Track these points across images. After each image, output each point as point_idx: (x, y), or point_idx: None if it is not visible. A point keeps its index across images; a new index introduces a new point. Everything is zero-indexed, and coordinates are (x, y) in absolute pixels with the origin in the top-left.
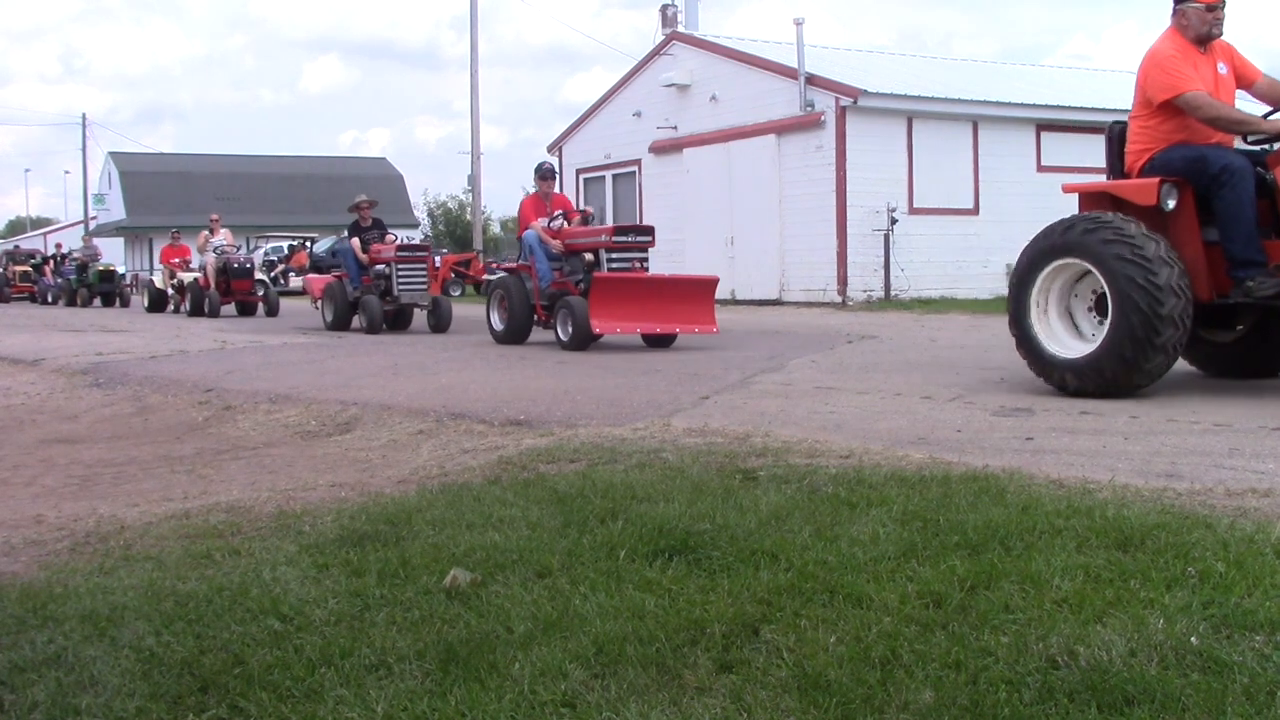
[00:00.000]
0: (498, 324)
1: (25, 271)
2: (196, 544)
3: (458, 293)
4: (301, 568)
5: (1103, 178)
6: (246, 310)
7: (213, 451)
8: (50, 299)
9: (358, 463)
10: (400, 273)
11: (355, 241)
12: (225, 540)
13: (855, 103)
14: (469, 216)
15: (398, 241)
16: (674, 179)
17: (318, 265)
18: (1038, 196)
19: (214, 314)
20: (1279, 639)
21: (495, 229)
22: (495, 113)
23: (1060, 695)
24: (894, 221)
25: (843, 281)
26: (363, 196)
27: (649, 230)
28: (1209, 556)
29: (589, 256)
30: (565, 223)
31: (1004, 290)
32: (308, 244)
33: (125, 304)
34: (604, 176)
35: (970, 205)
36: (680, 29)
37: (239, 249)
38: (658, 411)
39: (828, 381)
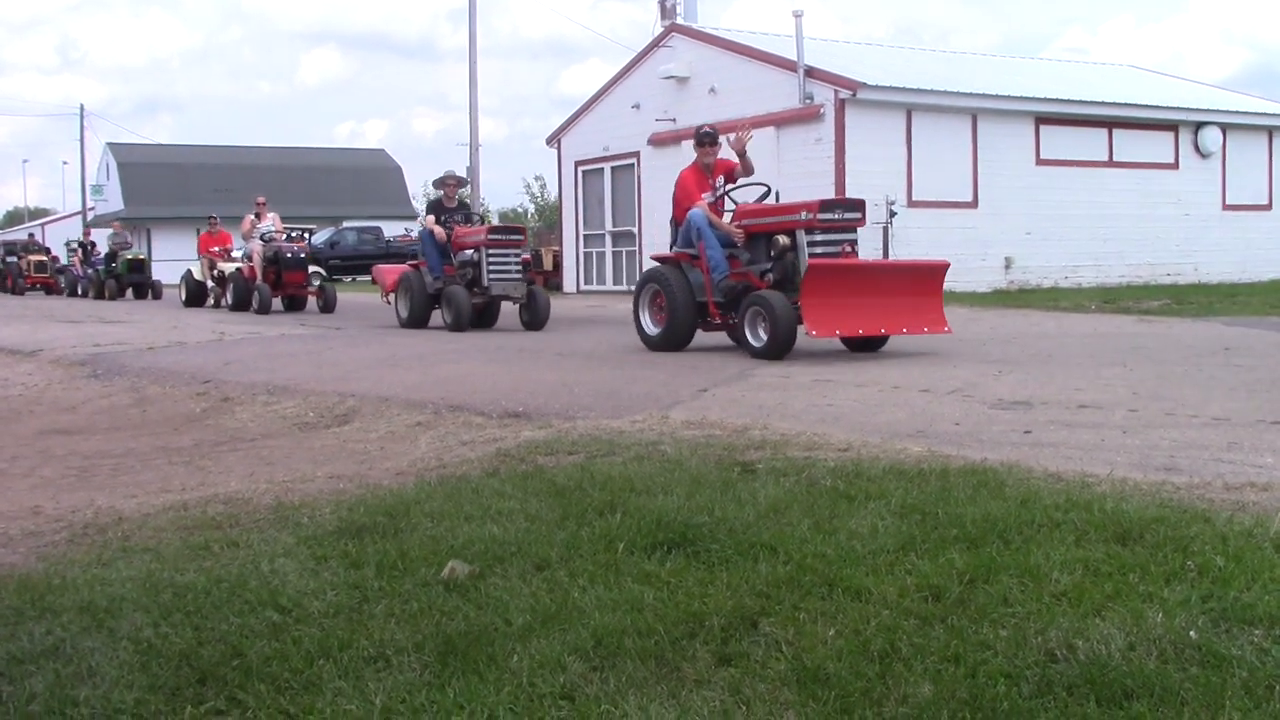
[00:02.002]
0: (650, 326)
1: (41, 262)
2: (194, 535)
3: None
4: (300, 560)
5: (1106, 171)
6: (296, 305)
7: (211, 443)
8: (81, 291)
9: (356, 454)
10: (491, 259)
11: (432, 221)
12: (223, 532)
13: (854, 95)
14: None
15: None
16: (673, 171)
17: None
18: (1037, 189)
19: (264, 310)
20: (1278, 633)
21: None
22: (492, 105)
23: (1059, 689)
24: (893, 214)
25: None
26: (452, 171)
27: (859, 205)
28: (1208, 550)
29: (782, 239)
30: (728, 198)
31: (1003, 283)
32: (306, 235)
33: (158, 296)
34: (603, 169)
35: (969, 198)
36: (679, 21)
37: (288, 235)
38: (656, 404)
39: (826, 374)
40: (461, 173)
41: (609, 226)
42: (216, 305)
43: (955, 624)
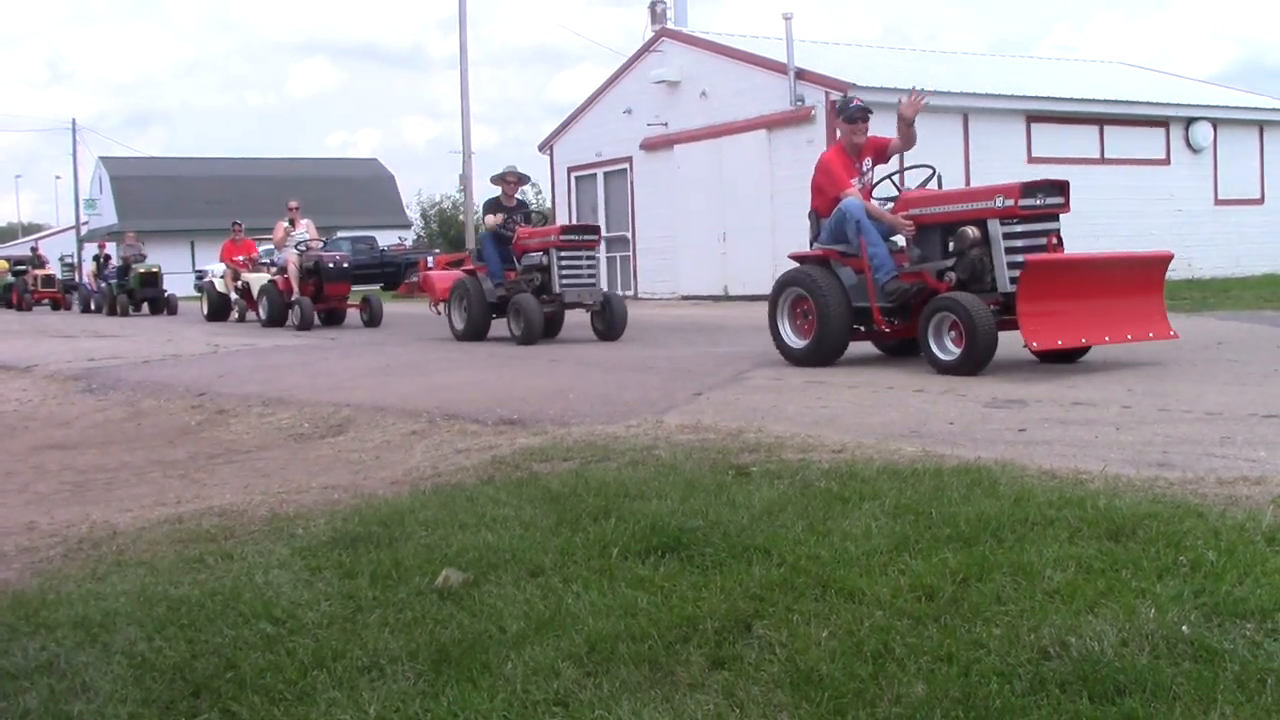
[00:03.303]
0: (793, 338)
1: (48, 276)
2: (189, 548)
3: None
4: (294, 570)
5: (1097, 168)
6: (335, 319)
7: (205, 455)
8: (95, 306)
9: (350, 464)
10: (563, 262)
11: (493, 221)
12: (218, 544)
13: (845, 96)
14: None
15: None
16: (665, 176)
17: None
18: None
19: (305, 326)
20: (1270, 627)
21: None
22: (483, 112)
23: (1052, 686)
24: None
25: None
26: (513, 166)
27: (1063, 187)
28: (1200, 545)
29: (971, 231)
30: (893, 185)
31: None
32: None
33: (173, 311)
34: (595, 174)
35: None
36: (669, 25)
37: (324, 243)
38: (651, 409)
39: (820, 376)
40: (513, 173)
41: (603, 232)
42: (241, 319)
43: (948, 623)
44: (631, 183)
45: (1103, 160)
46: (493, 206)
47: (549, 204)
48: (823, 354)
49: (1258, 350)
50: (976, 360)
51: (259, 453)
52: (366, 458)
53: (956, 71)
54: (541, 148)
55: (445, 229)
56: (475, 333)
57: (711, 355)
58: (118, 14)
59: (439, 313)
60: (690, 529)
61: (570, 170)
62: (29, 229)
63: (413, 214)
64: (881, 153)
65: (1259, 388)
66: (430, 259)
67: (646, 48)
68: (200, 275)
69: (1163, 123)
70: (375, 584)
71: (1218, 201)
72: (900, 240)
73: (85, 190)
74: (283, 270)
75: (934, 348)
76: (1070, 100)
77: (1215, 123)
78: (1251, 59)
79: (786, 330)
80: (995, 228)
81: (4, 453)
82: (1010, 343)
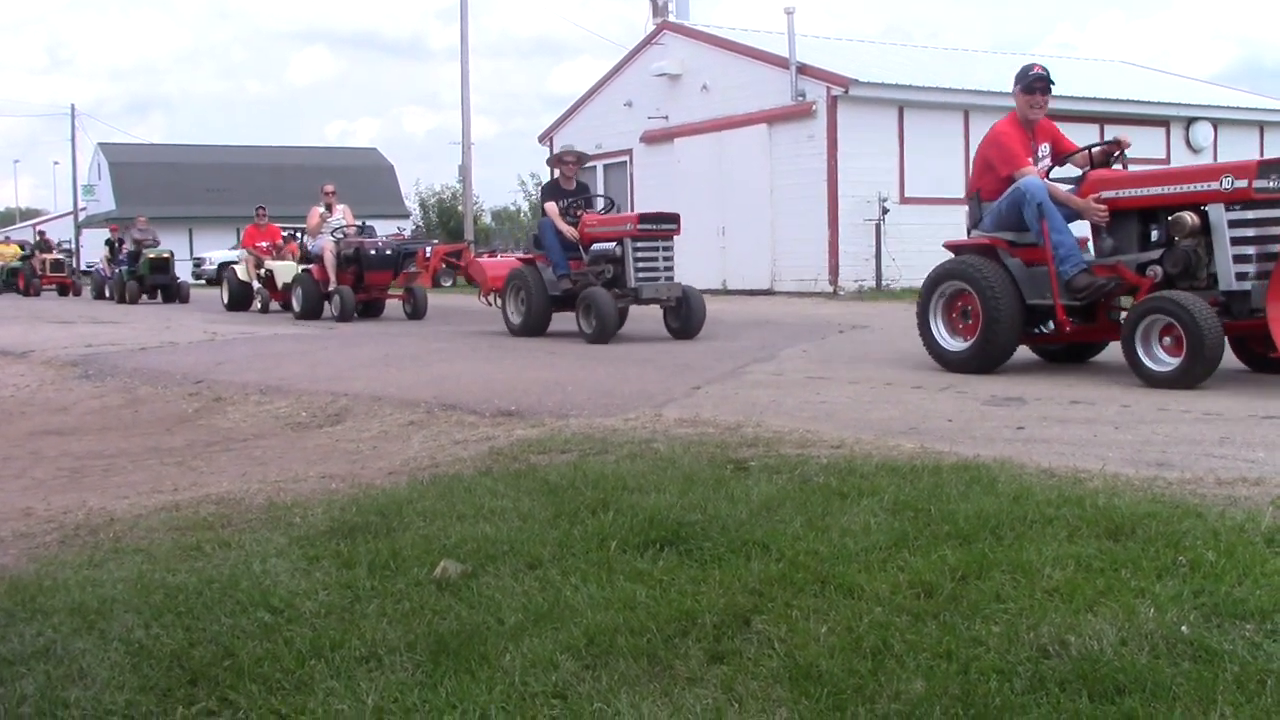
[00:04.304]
0: (948, 340)
1: (57, 261)
2: (186, 536)
3: (449, 283)
4: (292, 560)
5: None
6: (373, 311)
7: (203, 443)
8: (109, 293)
9: (348, 454)
10: (639, 254)
11: (555, 209)
12: (215, 532)
13: (846, 92)
14: (460, 207)
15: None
16: (665, 169)
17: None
18: None
19: (345, 317)
20: (1269, 628)
21: (486, 219)
22: (482, 103)
23: (1051, 684)
24: (885, 211)
25: (834, 271)
26: (570, 145)
27: None
28: (1199, 545)
29: (1188, 218)
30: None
31: None
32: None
33: (185, 299)
34: (595, 166)
35: (961, 195)
36: (671, 18)
37: (361, 228)
38: (649, 402)
39: (819, 371)
40: (571, 153)
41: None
42: (264, 309)
43: (947, 620)
44: (631, 175)
45: None
46: (551, 191)
47: None
48: (989, 357)
49: None
50: (1198, 370)
51: (256, 441)
52: (364, 447)
53: (957, 68)
54: (541, 139)
55: (445, 219)
56: (534, 327)
57: (710, 349)
58: (118, 0)
59: (489, 304)
60: (689, 523)
61: None
62: (26, 214)
63: (411, 204)
64: (1058, 144)
65: (1257, 388)
66: (429, 249)
67: (648, 40)
68: (198, 263)
69: (1163, 122)
70: (373, 574)
71: None
72: (1082, 228)
73: (84, 176)
74: (319, 258)
75: (1142, 355)
76: (1071, 98)
77: (1216, 123)
78: (1251, 59)
79: (940, 331)
80: (1219, 214)
81: (1, 438)
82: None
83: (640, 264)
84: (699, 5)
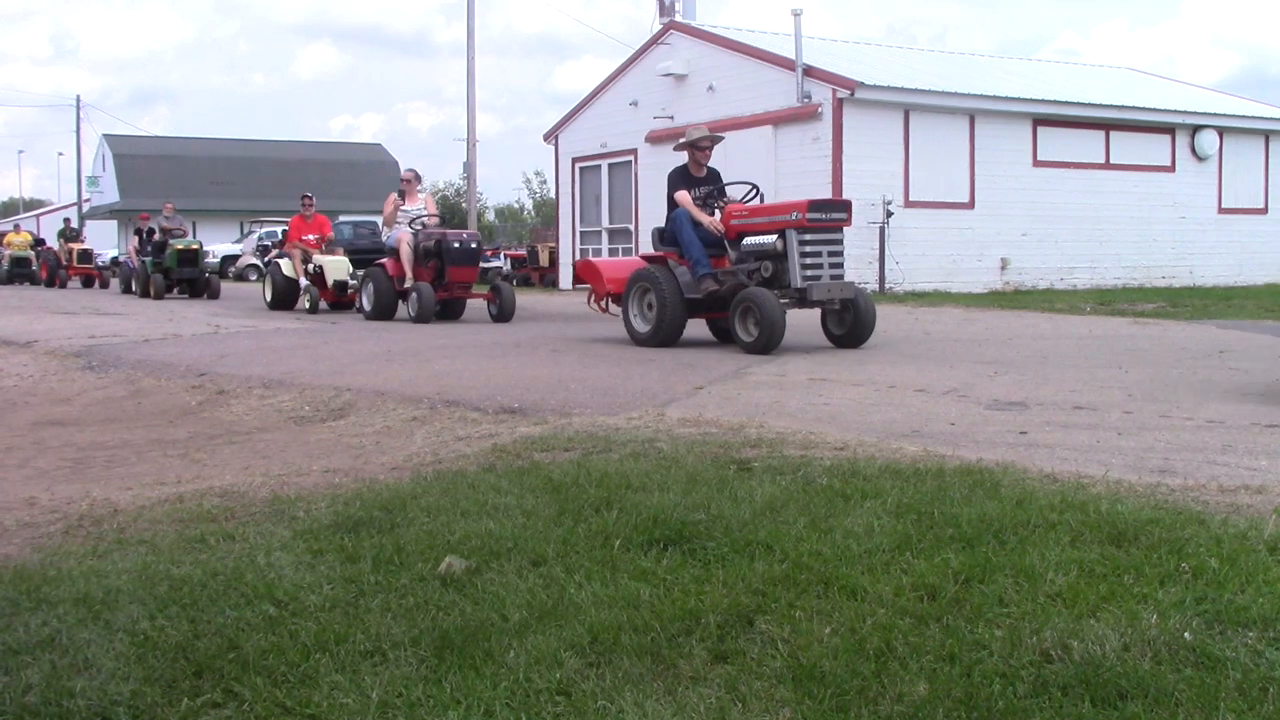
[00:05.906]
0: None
1: (85, 251)
2: (190, 528)
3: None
4: (296, 553)
5: (1103, 173)
6: (452, 311)
7: (206, 436)
8: (135, 286)
9: (351, 449)
10: (806, 250)
11: (689, 199)
12: (219, 525)
13: (852, 95)
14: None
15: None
16: (670, 169)
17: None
18: (1033, 191)
19: (424, 318)
20: (1272, 636)
21: (490, 216)
22: (487, 100)
23: (1054, 689)
24: (889, 214)
25: None
26: (701, 126)
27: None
28: (1202, 552)
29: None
30: None
31: (999, 284)
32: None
33: (215, 295)
34: (600, 166)
35: (966, 199)
36: (678, 18)
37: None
38: (652, 401)
39: (822, 373)
40: (706, 137)
41: (606, 224)
42: (312, 309)
43: (951, 623)
44: (636, 175)
45: (1108, 165)
46: (682, 178)
47: (551, 194)
48: (665, 335)
49: (1259, 359)
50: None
51: (259, 434)
52: (367, 442)
53: (963, 73)
54: (547, 137)
55: (449, 216)
56: (667, 336)
57: (712, 350)
58: None
59: (601, 308)
60: (692, 522)
61: (575, 160)
62: (30, 204)
63: None
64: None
65: (1260, 396)
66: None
67: (654, 40)
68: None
69: (1169, 129)
70: (377, 569)
71: (1221, 210)
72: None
73: (88, 167)
74: (394, 251)
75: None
76: (1077, 105)
77: (1221, 131)
78: (1255, 67)
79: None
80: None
81: (4, 428)
82: (1020, 342)
83: (807, 260)
84: (705, 5)
